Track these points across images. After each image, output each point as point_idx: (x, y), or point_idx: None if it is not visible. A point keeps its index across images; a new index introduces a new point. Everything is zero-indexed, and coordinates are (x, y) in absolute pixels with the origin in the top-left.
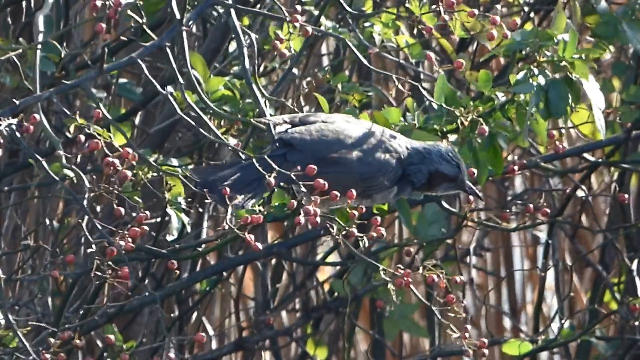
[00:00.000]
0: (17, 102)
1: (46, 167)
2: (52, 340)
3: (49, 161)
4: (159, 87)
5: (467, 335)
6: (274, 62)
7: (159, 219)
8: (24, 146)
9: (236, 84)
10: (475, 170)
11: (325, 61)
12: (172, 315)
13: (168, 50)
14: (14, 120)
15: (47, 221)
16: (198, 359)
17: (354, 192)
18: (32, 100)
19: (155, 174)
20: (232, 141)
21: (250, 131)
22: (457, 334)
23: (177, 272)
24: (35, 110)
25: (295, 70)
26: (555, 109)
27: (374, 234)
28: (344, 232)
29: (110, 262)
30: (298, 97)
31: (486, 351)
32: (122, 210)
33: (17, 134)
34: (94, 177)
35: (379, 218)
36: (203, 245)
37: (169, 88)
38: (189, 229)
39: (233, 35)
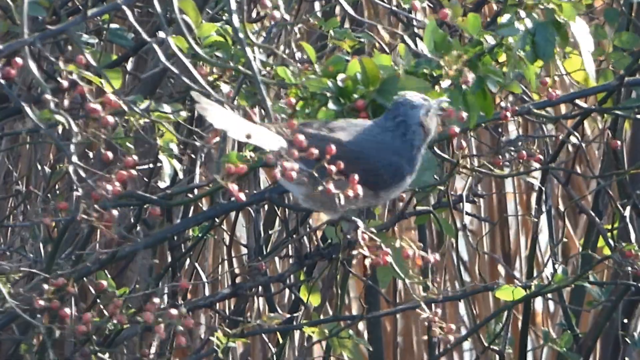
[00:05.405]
0: (1, 47)
1: (31, 114)
2: (45, 286)
3: (41, 107)
4: (144, 35)
5: (436, 318)
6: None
7: (151, 166)
8: (8, 92)
9: (228, 30)
10: (464, 114)
11: (318, 6)
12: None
13: None
14: None
15: (39, 167)
16: (191, 304)
17: (356, 176)
18: (16, 45)
19: (147, 120)
20: (225, 88)
21: (242, 78)
22: (426, 314)
23: (161, 218)
24: (23, 55)
25: (287, 16)
26: (542, 52)
27: (351, 192)
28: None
29: (97, 206)
30: (290, 44)
31: (452, 337)
32: (111, 154)
33: (1, 80)
34: (82, 123)
35: (356, 176)
36: (195, 191)
37: (160, 34)
38: (181, 175)
39: None
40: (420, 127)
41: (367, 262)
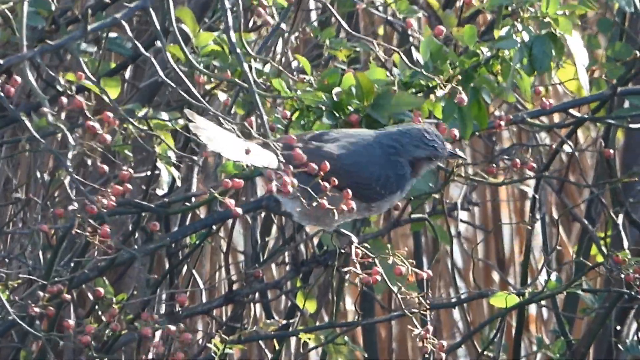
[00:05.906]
0: (1, 62)
1: (30, 127)
2: (40, 294)
3: (41, 114)
4: (142, 50)
5: (428, 335)
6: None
7: (149, 173)
8: (8, 106)
9: (225, 39)
10: (456, 132)
11: (314, 16)
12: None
13: (152, 11)
14: None
15: (38, 174)
16: (189, 311)
17: (349, 191)
18: (15, 59)
19: (145, 128)
20: (222, 96)
21: (239, 87)
22: (417, 330)
23: (159, 232)
24: (22, 68)
25: (283, 25)
26: (539, 65)
27: (344, 207)
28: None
29: (91, 220)
30: (286, 53)
31: (444, 355)
32: (106, 167)
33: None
34: (80, 131)
35: (350, 190)
36: (193, 199)
37: (158, 44)
38: (179, 182)
39: None
40: (410, 164)
41: (358, 280)
